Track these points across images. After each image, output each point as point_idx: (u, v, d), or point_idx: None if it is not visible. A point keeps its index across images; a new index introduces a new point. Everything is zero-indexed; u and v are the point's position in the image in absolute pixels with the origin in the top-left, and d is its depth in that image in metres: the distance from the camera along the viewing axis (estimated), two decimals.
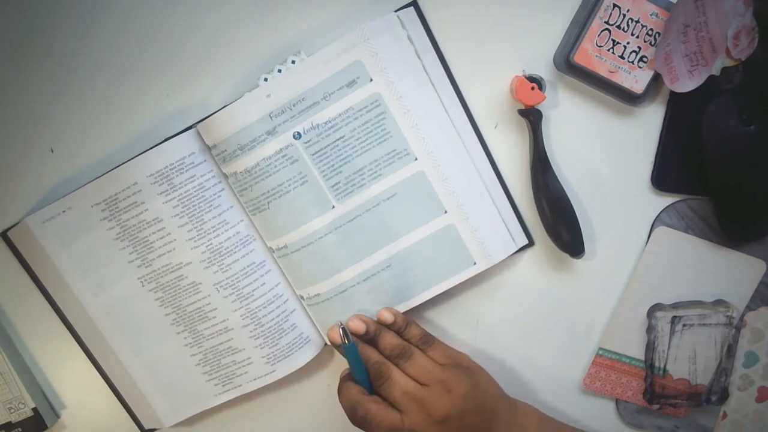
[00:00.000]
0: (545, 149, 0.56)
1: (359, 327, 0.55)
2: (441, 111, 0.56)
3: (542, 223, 0.57)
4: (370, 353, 0.55)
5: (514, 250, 0.58)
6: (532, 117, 0.55)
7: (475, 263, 0.57)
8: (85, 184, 0.56)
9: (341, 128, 0.54)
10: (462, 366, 0.55)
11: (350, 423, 0.53)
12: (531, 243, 0.59)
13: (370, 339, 0.55)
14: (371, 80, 0.53)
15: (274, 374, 0.59)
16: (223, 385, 0.61)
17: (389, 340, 0.55)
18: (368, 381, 0.54)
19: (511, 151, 0.58)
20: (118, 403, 0.62)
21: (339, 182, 0.55)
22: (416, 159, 0.55)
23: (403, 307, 0.58)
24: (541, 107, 0.56)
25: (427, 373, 0.53)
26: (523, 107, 0.56)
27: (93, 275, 0.59)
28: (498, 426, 0.54)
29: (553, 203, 0.56)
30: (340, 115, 0.54)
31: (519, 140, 0.58)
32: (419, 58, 0.55)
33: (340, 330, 0.54)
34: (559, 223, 0.56)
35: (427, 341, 0.56)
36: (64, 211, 0.57)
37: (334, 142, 0.55)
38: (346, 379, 0.55)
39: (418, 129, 0.54)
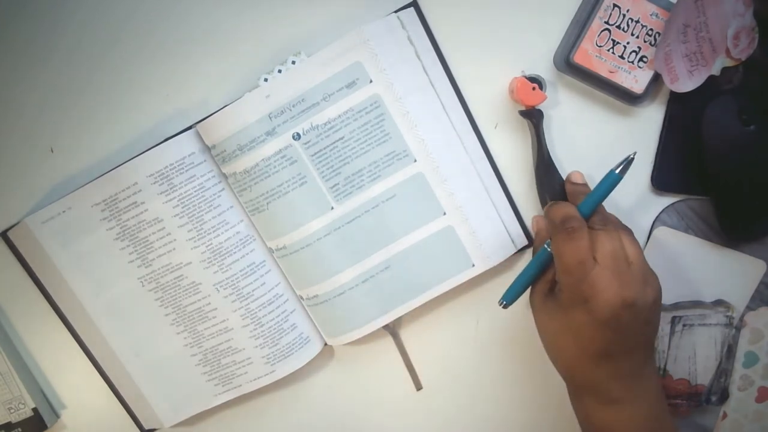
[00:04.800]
0: (548, 150, 0.56)
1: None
2: (441, 112, 0.55)
3: None
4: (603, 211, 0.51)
5: (513, 252, 0.58)
6: (534, 118, 0.55)
7: (473, 265, 0.57)
8: (85, 184, 0.56)
9: (341, 129, 0.54)
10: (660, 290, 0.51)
11: (354, 421, 0.53)
12: (531, 244, 0.59)
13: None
14: (371, 81, 0.53)
15: (274, 374, 0.59)
16: (223, 385, 0.61)
17: (614, 218, 0.52)
18: (587, 218, 0.50)
19: (512, 152, 0.58)
20: (118, 403, 0.62)
21: (338, 183, 0.55)
22: (415, 160, 0.55)
23: (402, 309, 0.58)
24: (542, 107, 0.56)
25: (637, 256, 0.49)
26: (523, 108, 0.55)
27: (93, 275, 0.59)
28: (642, 355, 0.50)
29: None
30: (339, 116, 0.54)
31: (519, 141, 0.58)
32: (419, 59, 0.55)
33: (629, 158, 0.49)
34: None
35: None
36: (64, 211, 0.57)
37: (334, 143, 0.55)
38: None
39: (417, 130, 0.54)
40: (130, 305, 0.59)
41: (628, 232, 0.50)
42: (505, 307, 0.53)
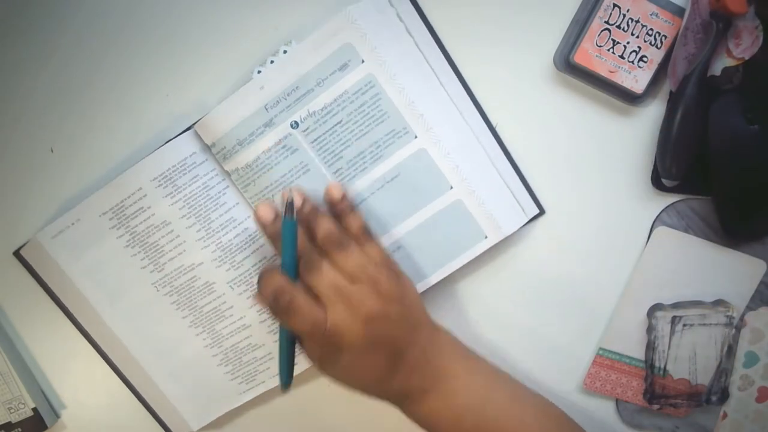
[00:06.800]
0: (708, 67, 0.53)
1: (296, 201, 0.50)
2: (437, 87, 0.55)
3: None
4: (300, 237, 0.50)
5: (525, 221, 0.57)
6: (722, 23, 0.51)
7: (486, 237, 0.56)
8: (91, 195, 0.57)
9: (338, 113, 0.54)
10: (394, 270, 0.52)
11: (352, 422, 0.52)
12: (542, 212, 0.58)
13: (302, 219, 0.51)
14: (363, 62, 0.53)
15: (296, 367, 0.59)
16: (246, 383, 0.61)
17: (326, 225, 0.50)
18: (296, 269, 0.50)
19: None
20: (128, 406, 0.62)
21: (341, 168, 0.55)
22: (416, 137, 0.54)
23: (418, 288, 0.56)
24: (543, 108, 0.56)
25: (359, 269, 0.49)
26: (719, 10, 0.51)
27: (107, 285, 0.59)
28: (419, 338, 0.51)
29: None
30: (335, 100, 0.54)
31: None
32: (411, 35, 0.54)
33: (286, 202, 0.50)
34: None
35: (366, 236, 0.51)
36: (73, 224, 0.57)
37: (332, 127, 0.54)
38: (270, 267, 0.51)
39: (415, 106, 0.54)
40: (147, 311, 0.59)
41: (336, 246, 0.50)
42: (288, 389, 0.54)
